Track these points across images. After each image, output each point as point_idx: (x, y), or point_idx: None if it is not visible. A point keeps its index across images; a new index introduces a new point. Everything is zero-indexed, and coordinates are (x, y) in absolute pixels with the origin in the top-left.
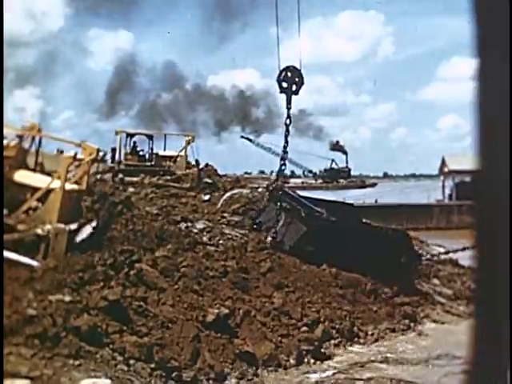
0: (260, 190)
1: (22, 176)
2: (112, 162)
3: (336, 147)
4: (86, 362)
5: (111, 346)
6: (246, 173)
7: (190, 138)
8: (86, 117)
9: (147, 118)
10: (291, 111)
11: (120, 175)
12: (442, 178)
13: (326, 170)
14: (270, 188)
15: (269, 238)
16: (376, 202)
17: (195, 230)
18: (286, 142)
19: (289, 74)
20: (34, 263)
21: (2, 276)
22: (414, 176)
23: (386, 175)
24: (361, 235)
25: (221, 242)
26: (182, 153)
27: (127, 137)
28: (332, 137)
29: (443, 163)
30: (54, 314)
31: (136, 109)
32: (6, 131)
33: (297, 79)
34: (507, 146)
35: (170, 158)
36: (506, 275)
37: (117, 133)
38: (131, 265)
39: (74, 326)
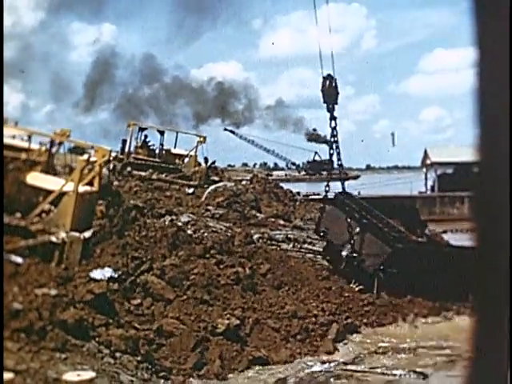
0: (244, 182)
1: (34, 178)
2: (121, 154)
3: (313, 137)
4: (72, 356)
5: (97, 339)
6: (229, 165)
7: (201, 138)
8: (67, 110)
9: (127, 111)
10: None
11: (128, 168)
12: (424, 169)
13: (309, 162)
14: (336, 196)
15: (344, 255)
16: (359, 194)
17: (179, 224)
18: (339, 159)
19: (328, 84)
20: (19, 260)
21: (2, 276)
22: (396, 168)
23: (368, 167)
24: (444, 258)
25: (205, 234)
26: (192, 152)
27: (139, 131)
28: (316, 129)
29: (425, 155)
30: (40, 307)
31: (116, 102)
32: (21, 133)
33: (334, 87)
34: (507, 139)
35: (180, 156)
36: (506, 271)
37: (129, 125)
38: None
39: (60, 319)
